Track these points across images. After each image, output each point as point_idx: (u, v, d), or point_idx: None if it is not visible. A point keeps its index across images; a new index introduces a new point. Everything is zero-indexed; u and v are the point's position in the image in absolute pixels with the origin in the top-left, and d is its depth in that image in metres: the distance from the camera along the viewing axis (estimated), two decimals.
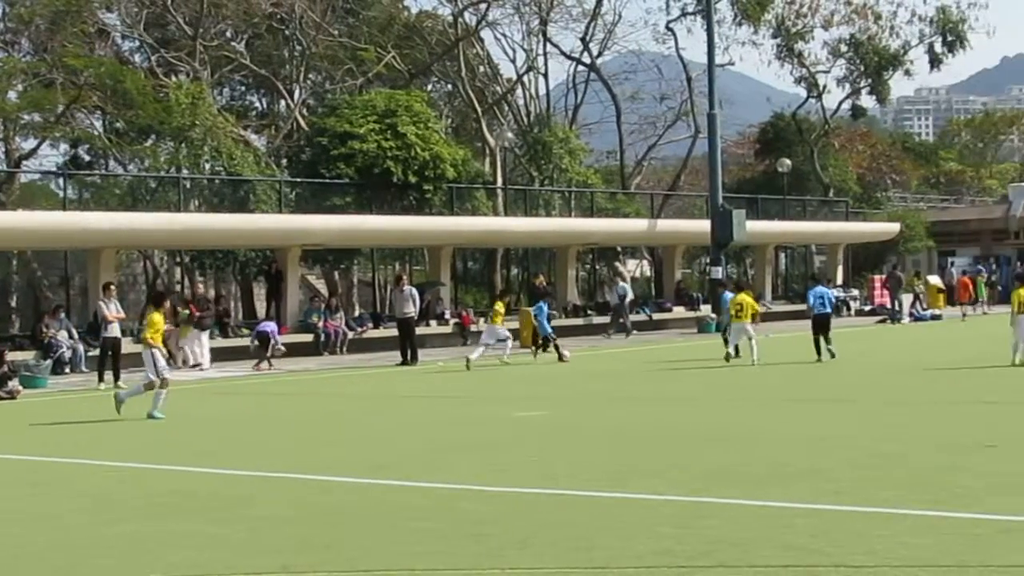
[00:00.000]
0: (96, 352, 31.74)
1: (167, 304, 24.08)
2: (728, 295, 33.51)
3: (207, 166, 45.15)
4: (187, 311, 36.40)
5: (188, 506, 12.46)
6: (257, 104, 64.52)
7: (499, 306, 34.22)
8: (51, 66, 46.94)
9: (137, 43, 55.65)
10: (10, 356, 29.61)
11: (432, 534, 10.52)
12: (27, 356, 32.52)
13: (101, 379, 29.53)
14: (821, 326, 30.37)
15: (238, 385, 29.67)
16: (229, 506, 12.42)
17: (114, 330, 29.69)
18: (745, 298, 30.77)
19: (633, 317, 50.07)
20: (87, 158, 54.61)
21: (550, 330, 35.01)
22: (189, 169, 43.88)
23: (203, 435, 19.57)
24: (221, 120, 47.48)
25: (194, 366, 34.88)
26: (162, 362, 21.40)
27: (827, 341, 30.11)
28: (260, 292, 49.14)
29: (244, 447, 17.72)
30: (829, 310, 31.12)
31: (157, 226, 38.37)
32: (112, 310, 29.79)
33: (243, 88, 63.69)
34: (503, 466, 14.45)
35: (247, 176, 43.84)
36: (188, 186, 42.88)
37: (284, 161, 52.65)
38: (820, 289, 32.14)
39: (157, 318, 21.72)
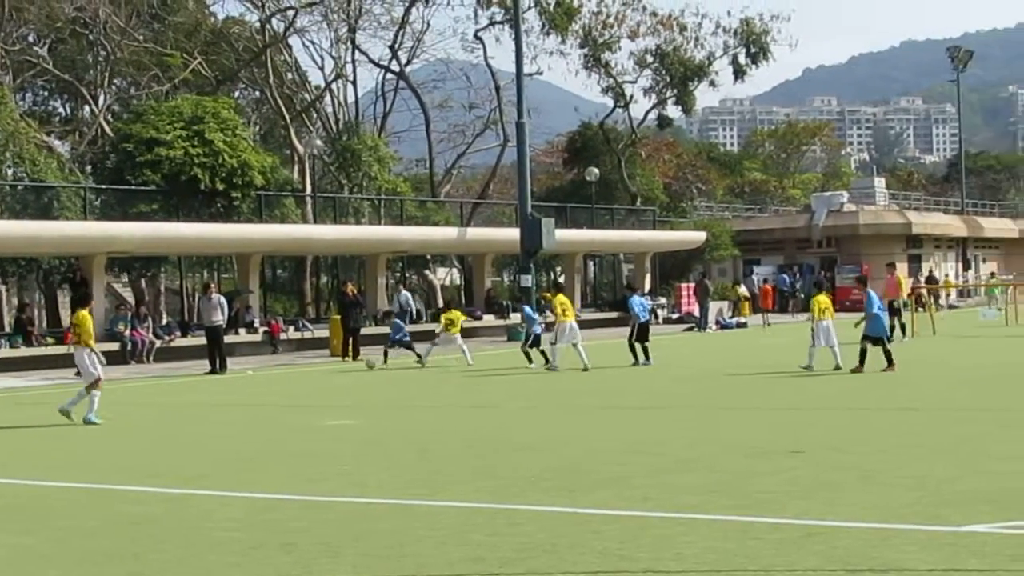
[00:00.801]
0: None
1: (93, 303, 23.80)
2: (528, 308, 34.70)
3: (9, 172, 44.16)
4: None
5: None
6: (61, 110, 63.29)
7: (453, 315, 34.84)
8: None
9: None
10: None
11: (243, 544, 10.51)
12: None
13: None
14: (644, 332, 31.70)
15: (43, 395, 29.07)
16: (35, 516, 12.24)
17: None
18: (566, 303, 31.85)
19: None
20: None
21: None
22: None
23: (8, 445, 19.16)
24: (23, 126, 46.45)
25: None
26: (98, 362, 21.10)
27: (644, 349, 31.41)
28: (65, 300, 48.23)
29: (48, 458, 17.40)
30: (649, 318, 32.26)
31: None
32: None
33: (46, 93, 62.45)
34: (314, 475, 14.45)
35: (51, 182, 42.99)
36: None
37: (89, 168, 51.73)
38: (639, 298, 33.18)
39: (86, 316, 21.63)
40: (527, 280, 47.59)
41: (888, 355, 26.90)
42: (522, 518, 11.29)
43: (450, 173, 70.67)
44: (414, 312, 47.77)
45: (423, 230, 53.85)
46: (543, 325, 34.82)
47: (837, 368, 27.10)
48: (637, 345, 31.55)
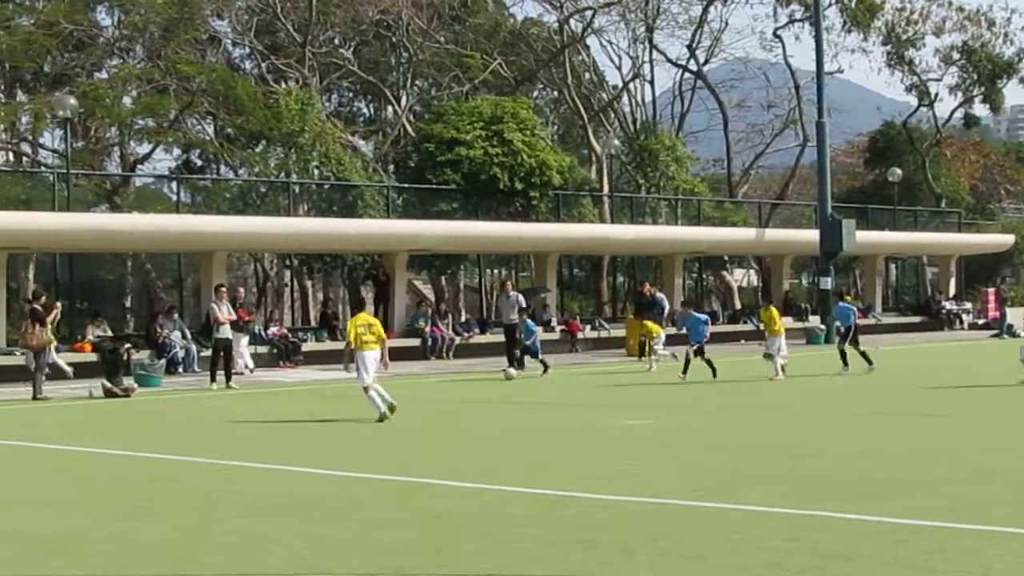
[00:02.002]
0: (208, 352, 32.07)
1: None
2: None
3: (316, 171, 45.56)
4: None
5: (296, 507, 12.59)
6: (365, 110, 64.98)
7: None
8: (164, 73, 47.55)
9: (248, 50, 56.27)
10: (128, 355, 30.06)
11: (539, 540, 10.55)
12: (142, 355, 32.99)
13: (213, 379, 29.87)
14: (854, 338, 30.96)
15: (344, 388, 29.83)
16: (339, 507, 12.55)
17: (225, 331, 30.06)
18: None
19: (740, 327, 49.82)
20: (199, 163, 55.33)
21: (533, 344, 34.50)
22: (298, 174, 44.30)
23: (312, 437, 19.74)
24: (329, 126, 47.86)
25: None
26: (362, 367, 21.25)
27: (842, 354, 30.75)
28: (368, 296, 49.50)
29: (352, 449, 17.84)
30: (853, 322, 31.52)
31: (267, 230, 38.83)
32: (224, 312, 30.18)
33: (351, 94, 64.20)
34: (608, 474, 14.44)
35: (355, 181, 44.19)
36: (297, 191, 43.29)
37: (391, 167, 52.99)
38: (844, 304, 32.52)
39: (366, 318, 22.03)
40: (826, 282, 46.77)
41: None
42: (820, 524, 11.06)
43: (748, 173, 69.96)
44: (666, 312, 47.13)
45: (720, 231, 53.42)
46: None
47: None
48: (848, 349, 30.64)
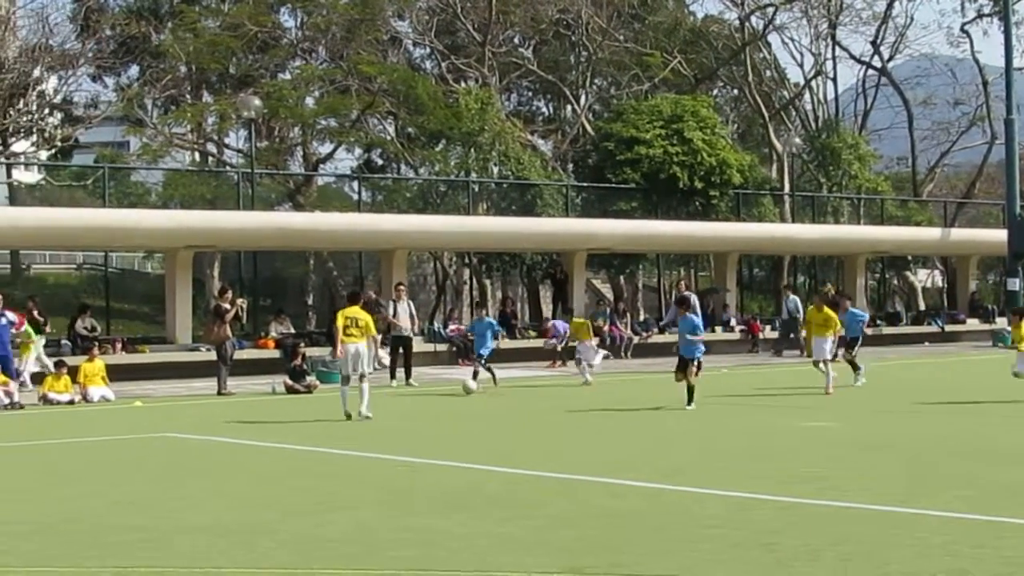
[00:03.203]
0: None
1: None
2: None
3: (495, 170, 45.78)
4: None
5: (477, 503, 12.67)
6: (544, 109, 65.10)
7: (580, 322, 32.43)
8: (346, 73, 48.21)
9: (428, 50, 56.79)
10: (308, 352, 30.51)
11: (723, 541, 10.46)
12: (323, 352, 33.49)
13: (393, 376, 30.18)
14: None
15: (522, 385, 29.95)
16: (517, 505, 12.58)
17: (404, 329, 30.35)
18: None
19: (923, 328, 48.95)
20: (379, 162, 56.04)
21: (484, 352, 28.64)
22: (477, 173, 44.56)
23: (494, 434, 19.83)
24: (509, 125, 48.06)
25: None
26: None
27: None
28: (547, 295, 49.61)
29: (534, 447, 17.88)
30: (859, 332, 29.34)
31: (447, 228, 39.16)
32: (401, 311, 30.49)
33: (530, 94, 64.36)
34: (789, 476, 14.26)
35: (534, 180, 44.33)
36: (476, 189, 43.60)
37: (570, 166, 53.05)
38: (854, 310, 30.34)
39: None
40: (1014, 284, 45.71)
41: None
42: (1009, 531, 10.77)
43: (933, 172, 68.56)
44: (801, 318, 45.86)
45: (904, 230, 52.49)
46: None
47: None
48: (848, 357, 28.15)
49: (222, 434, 20.13)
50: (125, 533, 11.27)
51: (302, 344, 30.81)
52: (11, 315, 27.75)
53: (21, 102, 46.67)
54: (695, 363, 23.10)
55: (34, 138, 50.21)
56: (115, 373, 29.00)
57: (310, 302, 52.48)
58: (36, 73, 46.81)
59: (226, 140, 54.02)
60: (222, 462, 16.89)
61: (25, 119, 47.72)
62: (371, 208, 43.23)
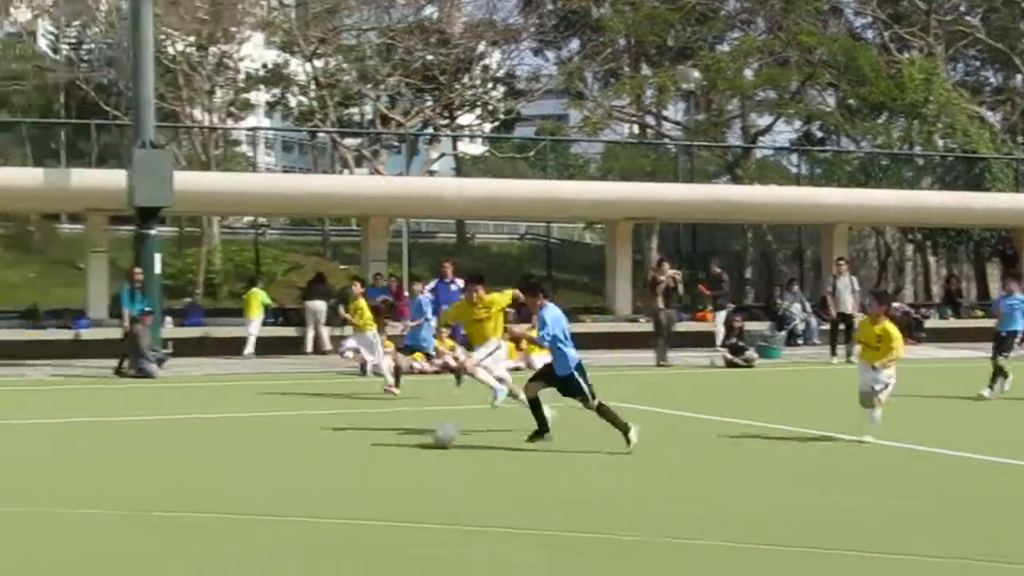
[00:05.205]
0: (827, 326, 31.74)
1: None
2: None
3: (940, 143, 44.35)
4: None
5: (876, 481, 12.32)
6: (992, 79, 62.54)
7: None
8: (785, 44, 47.67)
9: (870, 19, 55.44)
10: (746, 327, 30.22)
11: None
12: (762, 327, 33.14)
13: (834, 353, 29.58)
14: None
15: (966, 367, 28.73)
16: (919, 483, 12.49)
17: (847, 305, 29.70)
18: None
19: None
20: (819, 135, 55.18)
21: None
22: (922, 146, 43.27)
23: (928, 414, 19.11)
24: (955, 96, 46.47)
25: None
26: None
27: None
28: (994, 273, 47.72)
29: (955, 429, 17.41)
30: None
31: (888, 203, 38.06)
32: (841, 286, 29.86)
33: (977, 63, 61.88)
34: None
35: (982, 153, 42.67)
36: (921, 163, 42.31)
37: (1020, 138, 50.83)
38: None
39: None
40: None
41: None
42: None
43: None
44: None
45: None
46: None
47: None
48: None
49: (660, 405, 19.76)
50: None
51: (739, 319, 30.43)
52: (460, 282, 28.52)
53: (466, 76, 48.27)
54: None
55: (478, 111, 51.88)
56: None
57: (747, 276, 52.23)
58: (480, 48, 48.32)
59: (664, 112, 54.35)
60: (660, 432, 16.66)
61: (470, 93, 49.34)
62: (810, 181, 42.57)
